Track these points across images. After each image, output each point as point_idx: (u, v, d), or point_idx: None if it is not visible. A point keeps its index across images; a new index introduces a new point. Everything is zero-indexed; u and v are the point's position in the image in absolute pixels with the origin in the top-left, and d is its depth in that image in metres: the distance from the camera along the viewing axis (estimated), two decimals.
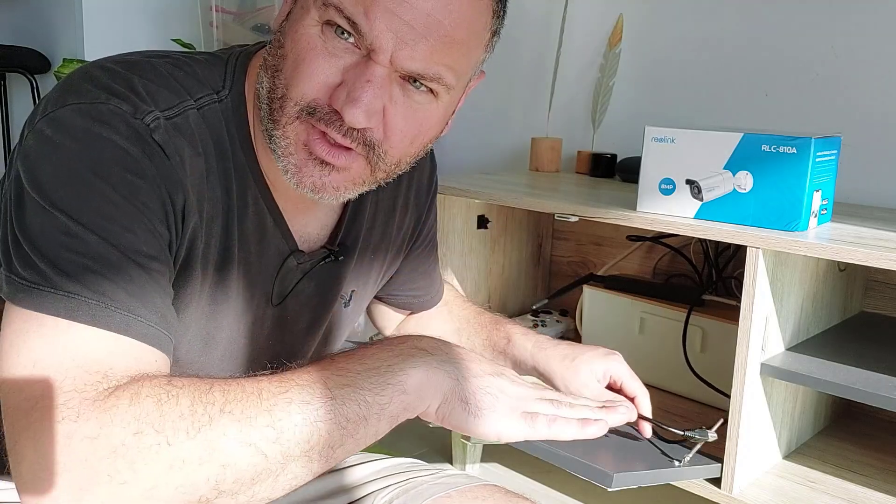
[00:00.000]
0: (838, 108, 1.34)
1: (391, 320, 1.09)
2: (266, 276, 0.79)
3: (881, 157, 1.31)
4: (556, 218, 1.62)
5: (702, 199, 1.06)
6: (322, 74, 0.67)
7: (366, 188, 0.74)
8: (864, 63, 1.32)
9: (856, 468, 1.11)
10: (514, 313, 1.61)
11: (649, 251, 1.52)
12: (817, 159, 0.99)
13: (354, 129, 0.68)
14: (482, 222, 1.49)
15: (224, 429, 0.57)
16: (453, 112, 0.77)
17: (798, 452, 1.16)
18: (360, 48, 0.67)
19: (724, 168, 1.04)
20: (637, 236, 1.45)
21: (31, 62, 2.34)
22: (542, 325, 1.52)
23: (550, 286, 1.68)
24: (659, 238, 1.41)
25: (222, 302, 0.76)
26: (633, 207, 1.12)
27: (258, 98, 0.72)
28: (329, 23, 0.67)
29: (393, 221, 0.92)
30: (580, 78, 1.66)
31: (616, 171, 1.54)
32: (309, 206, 0.80)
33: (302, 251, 0.81)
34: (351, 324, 0.95)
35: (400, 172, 0.76)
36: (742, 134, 1.03)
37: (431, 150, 0.94)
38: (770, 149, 1.00)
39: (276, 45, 0.70)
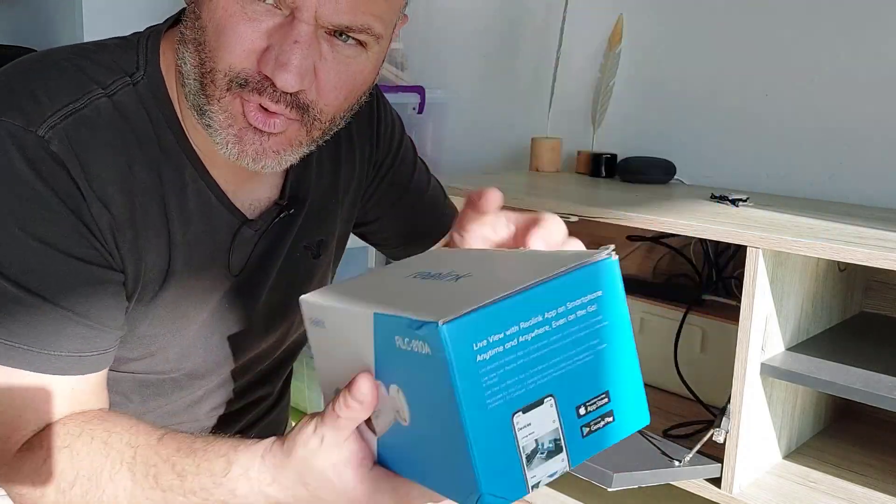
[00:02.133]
0: (838, 107, 1.34)
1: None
2: (220, 252, 0.78)
3: (881, 158, 1.31)
4: None
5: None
6: (246, 41, 0.65)
7: (304, 150, 0.73)
8: (865, 63, 1.32)
9: (856, 468, 1.11)
10: None
11: (649, 251, 1.52)
12: (484, 359, 0.48)
13: (287, 93, 0.66)
14: None
15: None
16: (383, 59, 0.74)
17: (798, 452, 1.16)
18: (280, 8, 0.65)
19: (377, 377, 0.55)
20: (637, 236, 1.44)
21: None
22: None
23: None
24: (659, 238, 1.41)
25: (171, 285, 0.75)
26: (634, 207, 1.12)
27: (183, 75, 0.69)
28: None
29: (340, 164, 0.89)
30: (580, 78, 1.66)
31: (616, 171, 1.54)
32: (252, 174, 0.78)
33: (254, 220, 0.79)
34: (329, 273, 0.93)
35: (337, 129, 0.74)
36: (372, 313, 0.53)
37: (377, 87, 0.90)
38: (405, 345, 0.50)
39: (193, 18, 0.68)
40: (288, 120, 0.68)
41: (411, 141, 1.00)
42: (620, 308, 0.56)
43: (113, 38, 0.75)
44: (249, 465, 0.61)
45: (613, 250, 0.55)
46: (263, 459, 0.60)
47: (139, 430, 0.67)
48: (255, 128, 0.68)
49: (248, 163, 0.69)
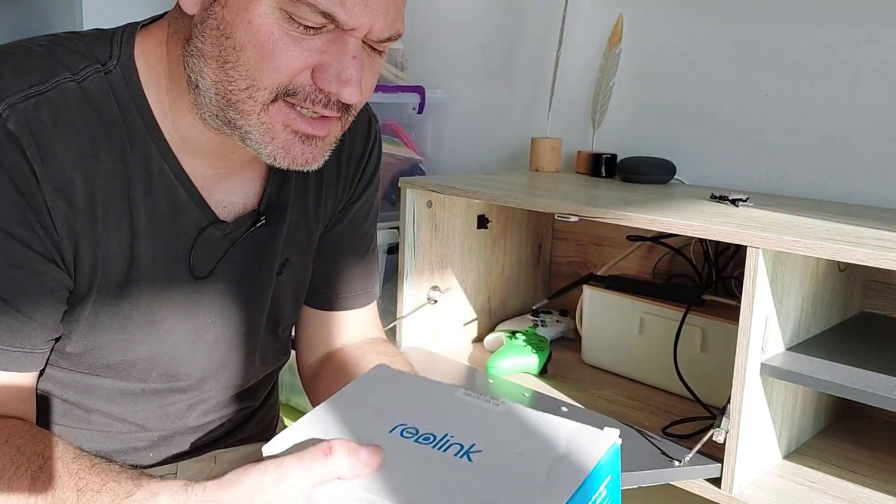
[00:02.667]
0: (838, 107, 1.34)
1: (302, 323, 0.97)
2: (183, 248, 0.77)
3: (881, 158, 1.31)
4: (556, 218, 1.62)
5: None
6: (298, 61, 0.67)
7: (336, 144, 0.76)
8: (864, 63, 1.32)
9: (856, 468, 1.11)
10: (514, 313, 1.61)
11: (649, 251, 1.52)
12: None
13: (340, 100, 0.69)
14: (482, 222, 1.49)
15: None
16: None
17: (798, 452, 1.16)
18: (326, 27, 0.66)
19: None
20: (637, 236, 1.44)
21: None
22: (543, 325, 1.52)
23: (550, 286, 1.68)
24: (659, 238, 1.41)
25: (135, 278, 0.74)
26: (634, 207, 1.12)
27: (200, 88, 0.70)
28: (293, 15, 0.65)
29: (323, 187, 0.88)
30: (580, 78, 1.66)
31: (616, 171, 1.54)
32: (227, 173, 0.78)
33: (224, 221, 0.79)
34: (294, 297, 0.90)
35: None
36: None
37: (371, 113, 0.92)
38: None
39: (217, 35, 0.67)
40: (333, 120, 0.71)
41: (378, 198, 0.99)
42: (617, 488, 0.59)
43: (91, 29, 0.76)
44: (160, 490, 0.57)
45: (619, 434, 0.57)
46: (185, 489, 0.56)
47: (59, 445, 0.65)
48: (303, 135, 0.70)
49: (297, 168, 0.72)
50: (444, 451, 0.57)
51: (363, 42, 0.68)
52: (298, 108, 0.69)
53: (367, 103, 0.93)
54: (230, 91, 0.68)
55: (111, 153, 0.71)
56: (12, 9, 2.43)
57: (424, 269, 1.42)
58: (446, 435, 0.58)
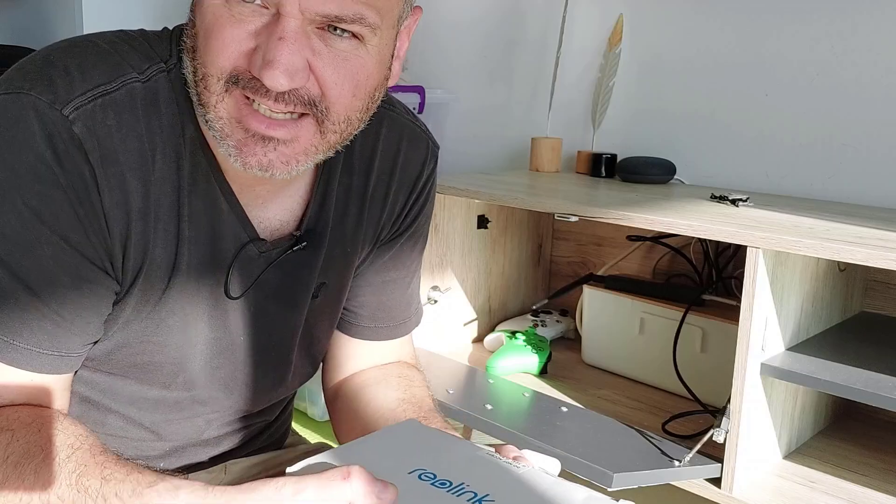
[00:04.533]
0: (838, 107, 1.34)
1: (335, 346, 0.95)
2: (219, 264, 0.75)
3: (881, 158, 1.31)
4: (556, 218, 1.62)
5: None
6: (234, 42, 0.63)
7: (321, 155, 0.70)
8: (864, 63, 1.32)
9: (856, 468, 1.11)
10: (514, 313, 1.61)
11: (649, 251, 1.52)
12: None
13: (283, 92, 0.63)
14: (482, 222, 1.49)
15: None
16: (393, 56, 0.71)
17: (798, 452, 1.16)
18: (267, 7, 0.63)
19: None
20: (637, 236, 1.45)
21: None
22: (543, 325, 1.52)
23: (550, 286, 1.69)
24: (659, 238, 1.41)
25: (174, 285, 0.73)
26: (634, 207, 1.12)
27: (186, 84, 0.68)
28: None
29: (365, 211, 0.84)
30: (580, 78, 1.66)
31: (616, 171, 1.54)
32: (268, 191, 0.76)
33: (263, 240, 0.76)
34: (329, 319, 0.89)
35: (354, 132, 0.71)
36: None
37: (432, 144, 0.88)
38: None
39: (191, 26, 0.67)
40: (300, 122, 0.66)
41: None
42: None
43: (154, 30, 0.75)
44: (181, 485, 0.57)
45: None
46: (205, 489, 0.57)
47: (89, 437, 0.65)
48: (257, 135, 0.65)
49: (255, 172, 0.67)
50: (458, 496, 0.58)
51: (319, 29, 0.64)
52: (255, 106, 0.65)
53: (427, 131, 0.88)
54: (197, 82, 0.66)
55: (166, 158, 0.70)
56: (12, 9, 2.43)
57: (424, 269, 1.42)
58: (462, 484, 0.60)
